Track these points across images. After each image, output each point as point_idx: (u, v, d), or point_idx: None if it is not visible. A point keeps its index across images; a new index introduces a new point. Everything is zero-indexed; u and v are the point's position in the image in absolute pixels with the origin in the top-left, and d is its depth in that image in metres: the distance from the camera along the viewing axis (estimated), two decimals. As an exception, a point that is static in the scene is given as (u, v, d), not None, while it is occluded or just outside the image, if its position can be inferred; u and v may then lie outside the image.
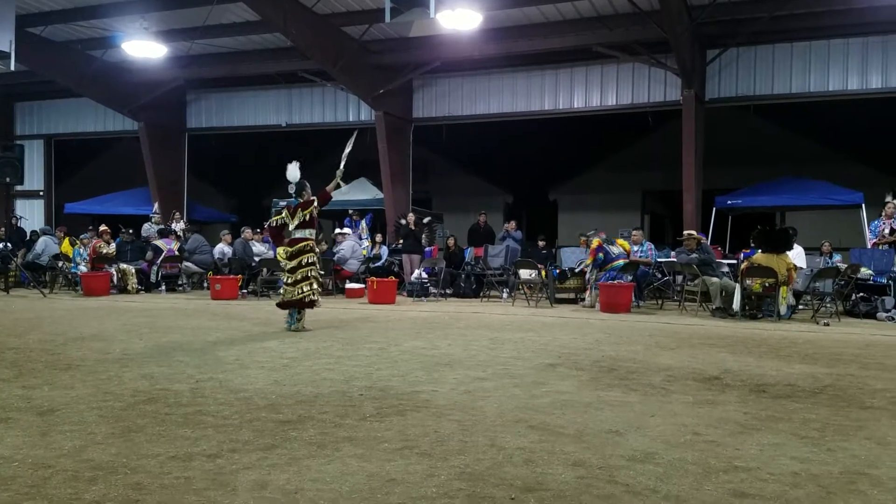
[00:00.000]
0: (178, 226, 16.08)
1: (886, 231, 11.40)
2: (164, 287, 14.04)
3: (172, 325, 8.36)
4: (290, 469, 3.07)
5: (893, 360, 6.21)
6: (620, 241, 11.89)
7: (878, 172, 16.56)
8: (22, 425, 3.73)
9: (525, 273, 12.40)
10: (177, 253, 14.53)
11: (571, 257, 13.69)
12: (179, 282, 14.57)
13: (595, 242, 11.65)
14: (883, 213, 11.59)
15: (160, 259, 14.22)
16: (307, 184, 8.28)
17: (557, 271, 12.57)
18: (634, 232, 12.33)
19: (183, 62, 16.19)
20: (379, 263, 14.63)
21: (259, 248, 14.55)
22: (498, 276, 13.96)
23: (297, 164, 8.28)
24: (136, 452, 3.27)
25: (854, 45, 13.61)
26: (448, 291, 13.95)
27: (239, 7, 13.43)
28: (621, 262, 11.37)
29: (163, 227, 15.58)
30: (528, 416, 4.00)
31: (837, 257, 12.49)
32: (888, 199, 11.64)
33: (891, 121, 14.96)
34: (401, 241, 14.77)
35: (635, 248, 11.98)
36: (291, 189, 8.21)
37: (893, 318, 9.81)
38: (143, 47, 14.01)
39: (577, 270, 12.02)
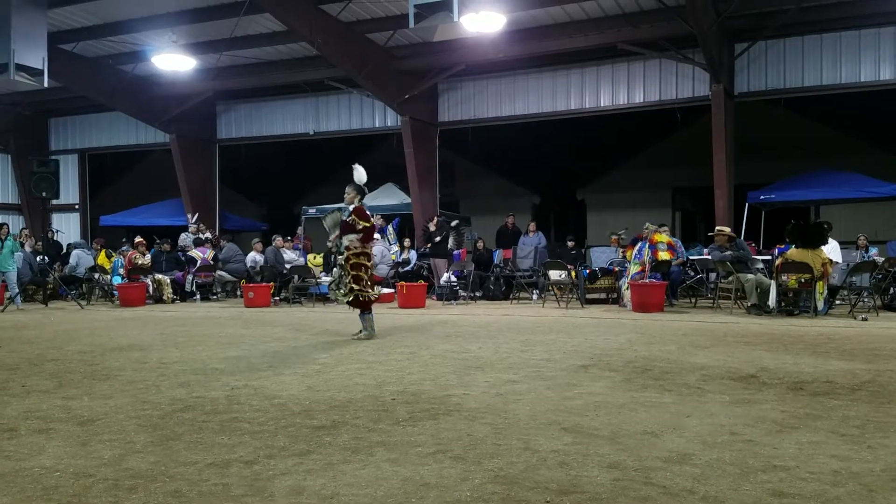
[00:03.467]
0: (206, 235, 16.29)
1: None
2: (198, 296, 14.24)
3: (207, 334, 8.47)
4: (325, 474, 3.09)
5: (936, 355, 6.07)
6: (659, 235, 11.67)
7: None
8: (63, 435, 3.81)
9: (554, 274, 12.34)
10: (211, 262, 14.75)
11: (601, 257, 13.61)
12: (213, 290, 14.77)
13: (663, 238, 11.47)
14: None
15: (195, 269, 14.44)
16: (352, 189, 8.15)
17: (587, 271, 12.50)
18: (662, 228, 12.20)
19: (212, 74, 16.42)
20: (408, 268, 14.68)
21: (290, 255, 14.70)
22: (527, 278, 13.92)
23: (357, 166, 8.17)
24: (175, 460, 3.32)
25: (886, 35, 13.32)
26: (477, 294, 13.94)
27: (265, 18, 13.59)
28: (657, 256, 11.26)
29: (197, 236, 15.81)
30: (561, 419, 3.98)
31: (874, 251, 12.25)
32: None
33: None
34: (428, 246, 14.81)
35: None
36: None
37: (934, 312, 9.60)
38: (173, 60, 14.24)
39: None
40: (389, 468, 3.16)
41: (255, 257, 14.70)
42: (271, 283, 13.41)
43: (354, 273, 7.85)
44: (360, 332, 7.85)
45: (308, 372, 5.63)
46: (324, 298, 13.49)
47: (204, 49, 14.96)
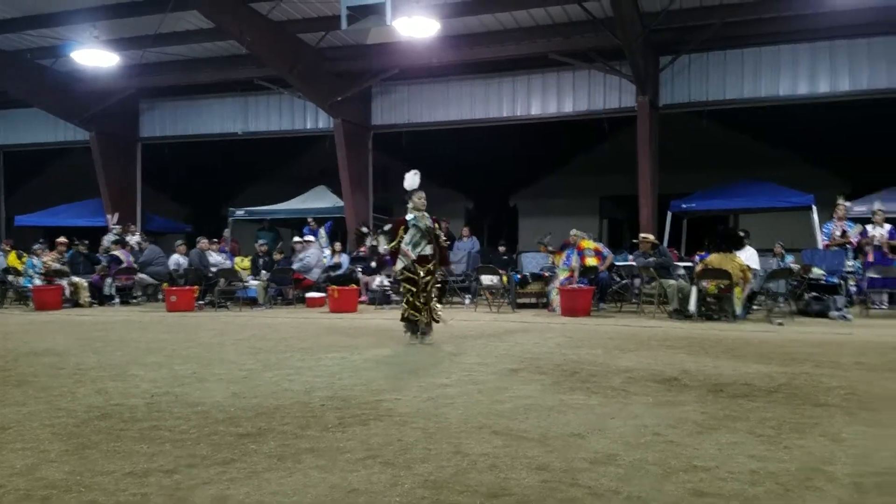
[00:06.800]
0: (134, 238, 15.76)
1: (838, 233, 11.70)
2: (118, 300, 13.76)
3: (127, 339, 8.18)
4: (249, 483, 3.01)
5: (846, 358, 6.36)
6: (587, 241, 11.88)
7: (827, 174, 17.02)
8: (-31, 445, 3.60)
9: (487, 279, 12.44)
10: (135, 265, 14.27)
11: (532, 262, 13.79)
12: (134, 294, 14.28)
13: (589, 244, 11.64)
14: (835, 216, 11.88)
15: (115, 271, 13.93)
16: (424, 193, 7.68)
17: (519, 276, 12.64)
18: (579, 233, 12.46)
19: (135, 70, 15.92)
20: (340, 272, 14.53)
21: (216, 258, 14.32)
22: (460, 283, 13.97)
23: (416, 172, 7.74)
24: (91, 469, 3.19)
25: (802, 51, 13.98)
26: (410, 299, 13.88)
27: (192, 15, 13.25)
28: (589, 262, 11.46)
29: (118, 238, 15.27)
30: (491, 422, 3.99)
31: (790, 258, 12.76)
32: (839, 201, 11.95)
33: (839, 124, 15.40)
34: (362, 249, 14.67)
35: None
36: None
37: (845, 317, 10.05)
38: (94, 56, 13.72)
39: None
40: (317, 475, 3.10)
41: (178, 260, 14.27)
42: (195, 287, 13.05)
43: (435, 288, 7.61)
44: (424, 336, 7.58)
45: (233, 378, 5.49)
46: (251, 303, 13.23)
47: (127, 45, 14.48)
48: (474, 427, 3.89)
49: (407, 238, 7.55)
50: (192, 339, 8.09)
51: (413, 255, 7.51)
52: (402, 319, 7.75)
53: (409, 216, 7.65)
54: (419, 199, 7.66)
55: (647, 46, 13.53)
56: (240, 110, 17.91)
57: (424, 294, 7.54)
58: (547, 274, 12.56)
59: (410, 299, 7.56)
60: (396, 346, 7.33)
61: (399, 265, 7.58)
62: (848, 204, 12.26)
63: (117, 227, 16.22)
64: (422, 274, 7.53)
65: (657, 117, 14.45)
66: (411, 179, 7.74)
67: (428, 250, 7.57)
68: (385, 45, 14.25)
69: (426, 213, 7.69)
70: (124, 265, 14.12)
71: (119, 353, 6.97)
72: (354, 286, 13.07)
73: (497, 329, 9.09)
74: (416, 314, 7.54)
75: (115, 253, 14.36)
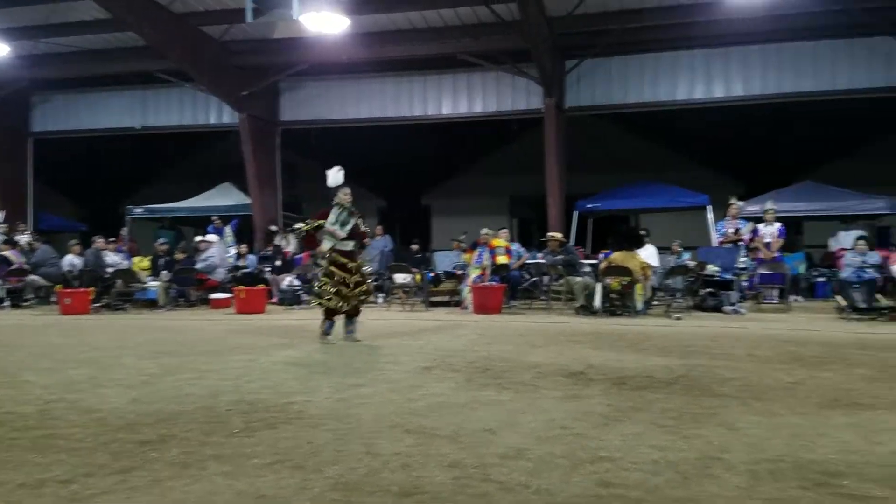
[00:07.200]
0: (24, 238, 14.89)
1: (731, 231, 12.28)
2: (8, 303, 13.00)
3: (18, 343, 7.72)
4: (151, 492, 2.89)
5: (740, 350, 6.68)
6: (497, 240, 12.05)
7: (722, 176, 17.90)
8: None
9: (400, 277, 12.43)
10: (25, 266, 13.50)
11: (445, 261, 13.87)
12: (25, 297, 13.50)
13: (501, 242, 11.78)
14: (728, 215, 12.49)
15: (5, 272, 13.15)
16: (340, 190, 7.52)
17: (432, 275, 12.69)
18: (501, 232, 12.66)
19: (27, 62, 15.06)
20: (247, 271, 14.16)
21: (113, 258, 13.69)
22: (373, 282, 13.88)
23: (340, 168, 7.53)
24: (-23, 483, 2.99)
25: (698, 57, 14.63)
26: (321, 298, 13.69)
27: (88, 5, 12.64)
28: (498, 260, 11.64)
29: (7, 238, 14.39)
30: (404, 421, 3.98)
31: (687, 256, 13.32)
32: (732, 200, 12.56)
33: (734, 128, 16.21)
34: (269, 248, 14.38)
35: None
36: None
37: (739, 311, 10.58)
38: (-19, 46, 12.91)
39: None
40: (222, 482, 3.01)
41: (72, 260, 13.55)
42: (91, 289, 12.43)
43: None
44: (351, 332, 7.57)
45: (132, 383, 5.26)
46: (151, 305, 12.72)
47: (19, 35, 13.70)
48: (386, 426, 3.87)
49: (332, 218, 7.40)
50: (87, 343, 7.70)
51: (342, 234, 7.37)
52: (324, 310, 7.48)
53: (334, 210, 7.54)
54: (345, 195, 7.54)
55: (553, 49, 13.85)
56: (138, 104, 17.22)
57: (352, 290, 7.40)
58: (459, 272, 12.66)
59: (332, 288, 7.32)
60: (308, 347, 7.21)
61: (326, 245, 7.38)
62: (741, 203, 12.90)
63: (4, 225, 15.30)
64: (349, 274, 7.38)
65: (564, 119, 14.81)
66: (334, 176, 7.58)
67: (351, 241, 7.43)
68: (293, 40, 14.03)
69: (350, 207, 7.57)
70: (15, 266, 13.37)
71: (9, 358, 6.57)
72: (263, 286, 12.78)
73: (410, 327, 9.08)
74: (340, 301, 7.34)
75: (5, 253, 13.59)
